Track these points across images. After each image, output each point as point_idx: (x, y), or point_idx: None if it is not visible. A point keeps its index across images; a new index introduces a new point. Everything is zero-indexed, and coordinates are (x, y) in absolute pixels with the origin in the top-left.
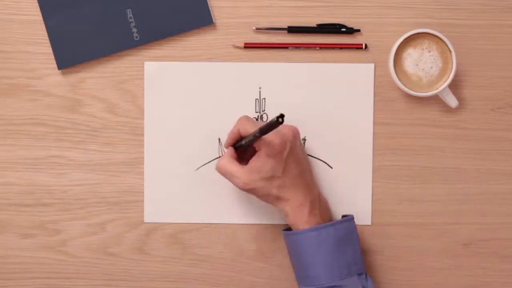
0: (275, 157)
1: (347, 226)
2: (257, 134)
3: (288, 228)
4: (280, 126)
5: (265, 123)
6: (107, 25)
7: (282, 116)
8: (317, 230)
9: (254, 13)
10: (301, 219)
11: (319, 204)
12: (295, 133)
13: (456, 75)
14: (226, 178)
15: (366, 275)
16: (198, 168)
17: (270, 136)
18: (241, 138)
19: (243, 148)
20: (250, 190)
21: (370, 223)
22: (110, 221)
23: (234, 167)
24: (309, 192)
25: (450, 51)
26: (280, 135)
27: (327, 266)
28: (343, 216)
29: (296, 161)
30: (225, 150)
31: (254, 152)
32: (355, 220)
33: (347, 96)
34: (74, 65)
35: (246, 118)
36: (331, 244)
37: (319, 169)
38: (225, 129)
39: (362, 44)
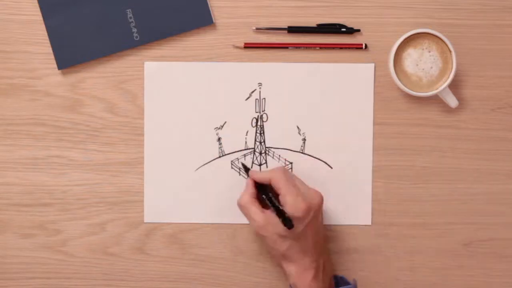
0: (296, 221)
1: None
2: (279, 217)
3: None
4: (310, 191)
5: (285, 215)
6: (107, 25)
7: (291, 222)
8: None
9: (254, 13)
10: (305, 283)
11: (323, 271)
12: (321, 202)
13: (456, 75)
14: (244, 215)
15: None
16: (198, 168)
17: (297, 200)
18: (268, 185)
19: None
20: (261, 236)
21: (370, 223)
22: (110, 221)
23: (254, 208)
24: (316, 258)
25: (450, 51)
26: (307, 201)
27: None
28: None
29: (313, 230)
30: (245, 177)
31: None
32: (356, 220)
33: (347, 96)
34: (74, 65)
35: (282, 171)
36: None
37: (319, 169)
38: (225, 129)
39: (362, 44)
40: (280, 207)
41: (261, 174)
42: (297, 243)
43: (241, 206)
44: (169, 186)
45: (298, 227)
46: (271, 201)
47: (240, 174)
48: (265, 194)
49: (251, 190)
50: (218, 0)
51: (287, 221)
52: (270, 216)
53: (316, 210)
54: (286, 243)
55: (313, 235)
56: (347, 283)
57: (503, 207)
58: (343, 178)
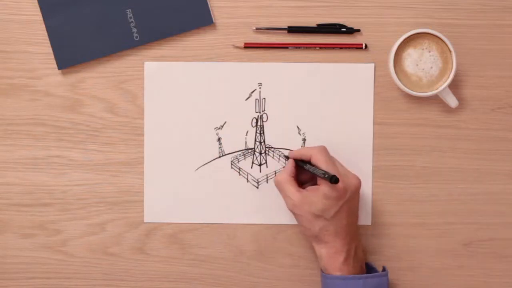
0: (332, 201)
1: (378, 282)
2: (323, 177)
3: None
4: (349, 173)
5: (330, 173)
6: (107, 25)
7: (336, 179)
8: (345, 280)
9: (254, 13)
10: (334, 266)
11: (354, 255)
12: (359, 185)
13: (456, 75)
14: (279, 191)
15: None
16: (198, 168)
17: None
18: (309, 161)
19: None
20: (295, 215)
21: (370, 223)
22: (110, 221)
23: (290, 187)
24: (348, 242)
25: (450, 51)
26: (345, 181)
27: None
28: (383, 270)
29: (348, 211)
30: (284, 161)
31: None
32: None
33: (347, 96)
34: (74, 65)
35: (323, 150)
36: None
37: None
38: (225, 129)
39: (362, 44)
40: (323, 170)
41: (302, 150)
42: (331, 224)
43: (278, 183)
44: (169, 186)
45: (333, 208)
46: (310, 169)
47: (240, 174)
48: (305, 166)
49: (290, 169)
50: (218, 0)
51: (333, 178)
52: (306, 195)
53: (352, 191)
54: (319, 223)
55: (347, 217)
56: (376, 270)
57: (503, 207)
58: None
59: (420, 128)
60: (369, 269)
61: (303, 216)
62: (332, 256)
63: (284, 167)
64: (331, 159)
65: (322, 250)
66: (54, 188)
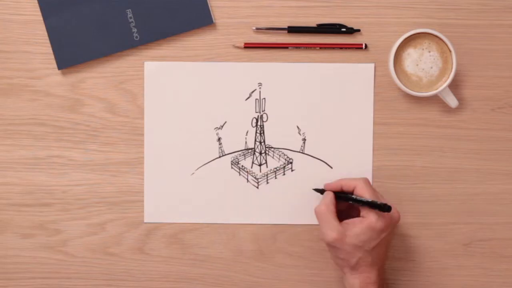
0: (375, 233)
1: None
2: (372, 207)
3: None
4: (393, 209)
5: (378, 202)
6: (107, 25)
7: (389, 207)
8: None
9: (254, 13)
10: None
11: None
12: (398, 219)
13: (456, 75)
14: (319, 223)
15: None
16: (198, 168)
17: (381, 212)
18: (351, 193)
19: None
20: (333, 248)
21: None
22: (110, 221)
23: (332, 219)
24: (381, 273)
25: (450, 51)
26: (389, 215)
27: None
28: None
29: (386, 244)
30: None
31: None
32: None
33: (347, 96)
34: (74, 65)
35: (367, 181)
36: None
37: (319, 169)
38: (225, 129)
39: (362, 44)
40: (369, 200)
41: (343, 181)
42: (369, 255)
43: (318, 214)
44: (169, 186)
45: (376, 239)
46: (357, 199)
47: (240, 174)
48: (348, 196)
49: (331, 200)
50: (218, 0)
51: (384, 206)
52: (348, 228)
53: (394, 225)
54: (359, 254)
55: (384, 250)
56: None
57: (503, 207)
58: (343, 178)
59: (420, 128)
60: None
61: (342, 249)
62: (365, 287)
63: (323, 199)
64: (376, 191)
65: (355, 280)
66: (54, 188)
